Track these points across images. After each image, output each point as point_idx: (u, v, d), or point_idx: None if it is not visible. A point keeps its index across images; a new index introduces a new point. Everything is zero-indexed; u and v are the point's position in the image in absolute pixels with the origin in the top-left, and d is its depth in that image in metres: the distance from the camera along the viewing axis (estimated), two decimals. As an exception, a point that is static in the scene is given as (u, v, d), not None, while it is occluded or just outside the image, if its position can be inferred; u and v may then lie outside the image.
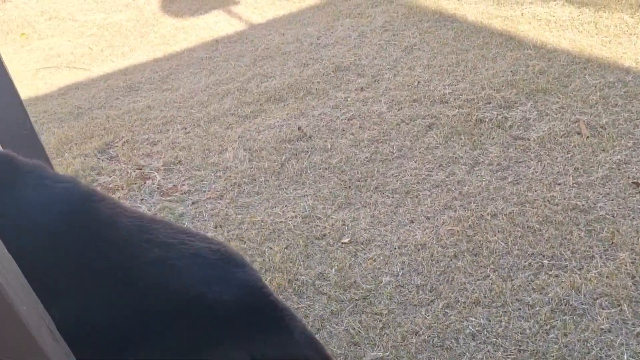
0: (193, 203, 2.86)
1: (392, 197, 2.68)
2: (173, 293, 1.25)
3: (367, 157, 3.00)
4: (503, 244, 2.29)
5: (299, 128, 3.33)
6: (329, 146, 3.14)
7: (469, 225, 2.41)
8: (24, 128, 1.76)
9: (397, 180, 2.79)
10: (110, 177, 3.16)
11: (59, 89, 4.52)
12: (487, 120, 3.11)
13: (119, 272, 1.27)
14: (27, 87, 4.62)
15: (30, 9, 6.21)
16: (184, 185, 3.02)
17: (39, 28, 5.81)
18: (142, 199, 2.92)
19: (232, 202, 2.82)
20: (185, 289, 1.25)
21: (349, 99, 3.59)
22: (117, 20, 5.80)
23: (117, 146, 3.49)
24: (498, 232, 2.35)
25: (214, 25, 5.30)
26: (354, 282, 2.23)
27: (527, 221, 2.39)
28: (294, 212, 2.69)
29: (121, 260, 1.28)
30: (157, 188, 3.00)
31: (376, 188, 2.76)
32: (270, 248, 2.47)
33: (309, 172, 2.96)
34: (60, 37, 5.59)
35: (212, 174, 3.07)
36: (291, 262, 2.36)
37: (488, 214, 2.45)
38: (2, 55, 5.44)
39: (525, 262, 2.20)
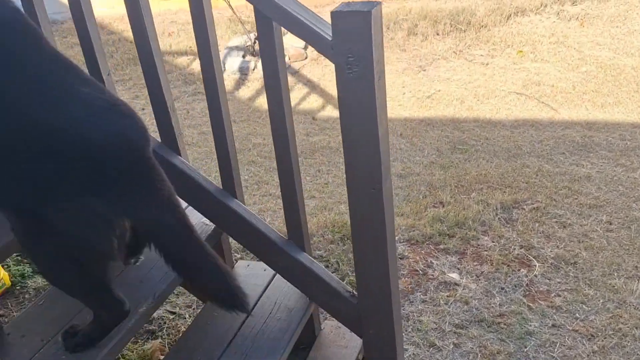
0: (553, 326, 2.27)
1: None
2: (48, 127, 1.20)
3: None
4: None
5: None
6: None
7: None
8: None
9: None
10: (492, 243, 2.81)
11: (515, 121, 4.29)
12: None
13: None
14: (488, 106, 4.54)
15: (543, 28, 6.03)
16: (559, 295, 2.43)
17: (538, 48, 5.61)
18: (500, 288, 2.49)
19: (599, 353, 2.13)
20: (64, 127, 1.21)
21: None
22: (622, 64, 5.10)
23: (523, 209, 3.08)
24: None
25: None
26: None
27: None
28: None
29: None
30: (527, 284, 2.50)
31: None
32: None
33: None
34: (552, 65, 5.29)
35: (601, 301, 2.38)
36: None
37: None
38: (496, 65, 5.40)
39: None
